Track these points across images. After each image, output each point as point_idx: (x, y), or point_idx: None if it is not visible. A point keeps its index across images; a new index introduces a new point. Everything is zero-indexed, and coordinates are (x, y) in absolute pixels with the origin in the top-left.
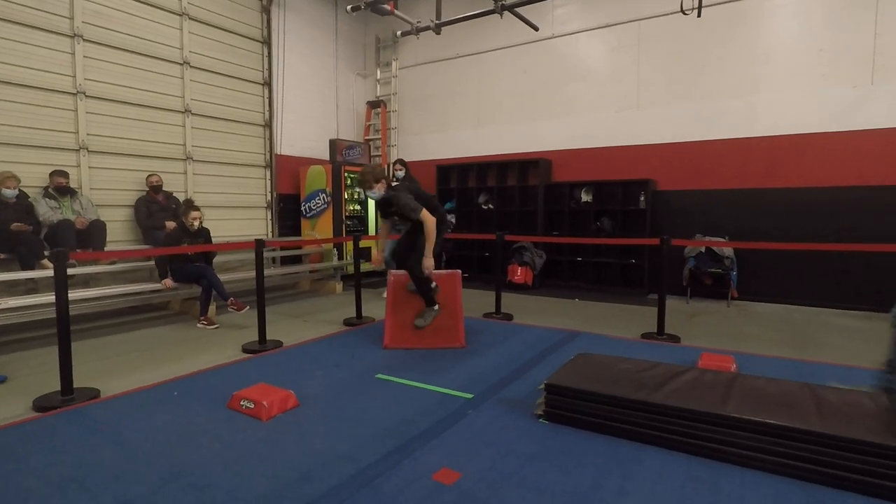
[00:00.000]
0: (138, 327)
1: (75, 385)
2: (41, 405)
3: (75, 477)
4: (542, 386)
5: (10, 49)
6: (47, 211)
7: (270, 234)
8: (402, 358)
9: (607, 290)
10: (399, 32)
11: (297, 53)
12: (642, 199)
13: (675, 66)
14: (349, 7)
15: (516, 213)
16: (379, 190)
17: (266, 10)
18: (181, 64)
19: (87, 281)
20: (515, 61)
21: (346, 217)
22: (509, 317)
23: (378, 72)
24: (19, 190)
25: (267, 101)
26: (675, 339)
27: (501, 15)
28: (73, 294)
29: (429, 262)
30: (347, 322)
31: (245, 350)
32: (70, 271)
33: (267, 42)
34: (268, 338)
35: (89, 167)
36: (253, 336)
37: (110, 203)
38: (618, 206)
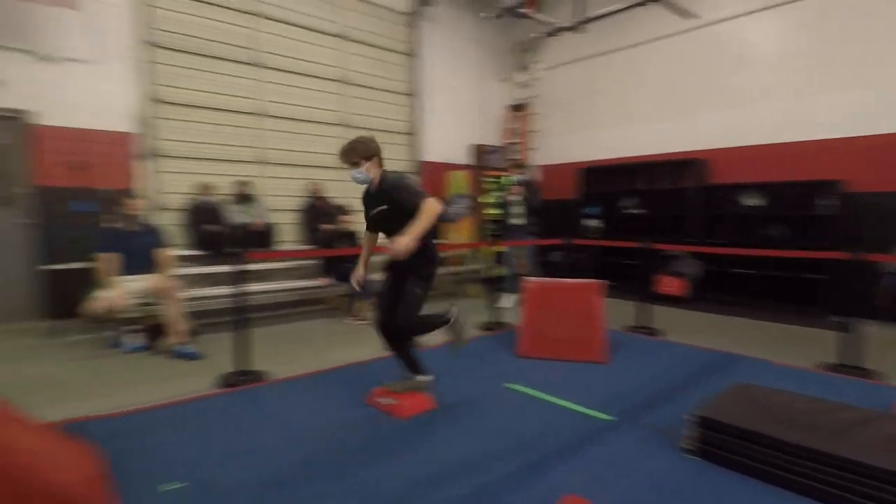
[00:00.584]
0: (300, 319)
1: (249, 368)
2: (222, 382)
3: (236, 450)
4: (693, 417)
5: (208, 79)
6: (235, 215)
7: None
8: (535, 368)
9: (776, 307)
10: (539, 34)
11: (440, 62)
12: (824, 202)
13: (869, 44)
14: (483, 14)
15: (667, 218)
16: (367, 171)
17: (411, 24)
18: (337, 81)
19: (263, 276)
20: (665, 54)
21: (487, 221)
22: (657, 332)
23: (519, 75)
24: (216, 197)
25: (411, 110)
26: (864, 373)
27: (645, 3)
28: (252, 287)
29: (405, 242)
30: (483, 326)
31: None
32: (248, 267)
33: (411, 54)
34: None
35: (267, 177)
36: None
37: (280, 208)
38: (792, 211)
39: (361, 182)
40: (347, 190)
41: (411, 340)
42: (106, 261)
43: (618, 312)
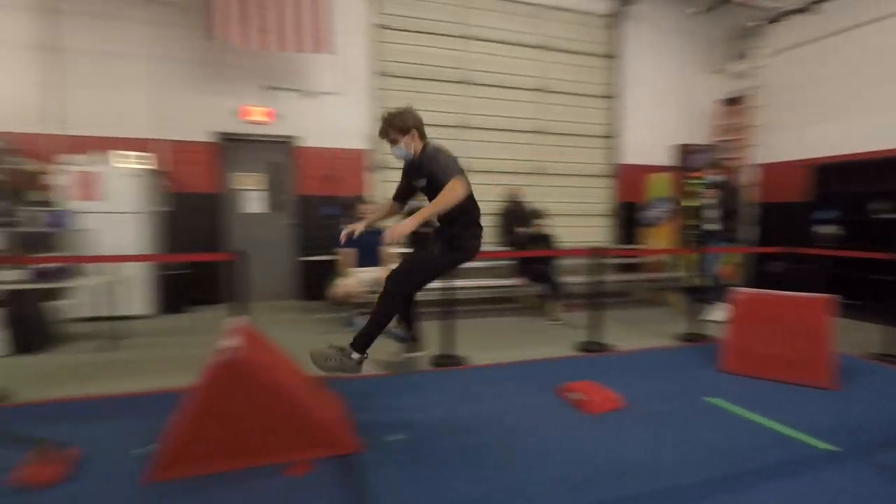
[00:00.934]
0: (496, 315)
1: (453, 353)
2: (433, 362)
3: (444, 416)
4: None
5: (424, 99)
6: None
7: (610, 242)
8: (740, 385)
9: None
10: (758, 21)
11: (642, 61)
12: None
13: None
14: (690, 10)
15: None
16: (405, 147)
17: (612, 26)
18: (535, 90)
19: (465, 273)
20: None
21: (690, 226)
22: None
23: (734, 66)
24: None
25: (610, 112)
26: None
27: None
28: (456, 282)
29: (402, 228)
30: (682, 337)
31: (577, 348)
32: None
33: (612, 55)
34: (601, 340)
35: (473, 183)
36: (586, 336)
37: (484, 212)
38: None
39: (403, 157)
40: (542, 194)
41: (391, 309)
42: (345, 255)
43: (857, 336)
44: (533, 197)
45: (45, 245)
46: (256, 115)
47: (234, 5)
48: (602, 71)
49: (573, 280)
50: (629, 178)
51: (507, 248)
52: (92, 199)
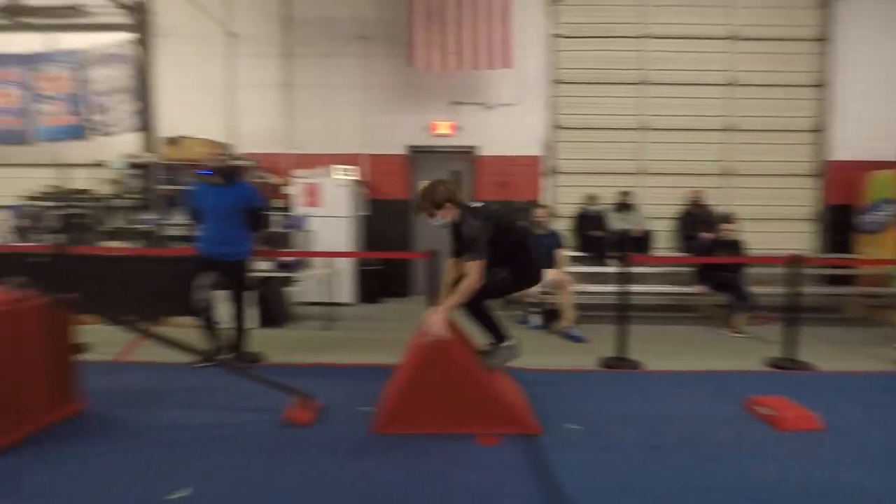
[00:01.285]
0: (670, 323)
1: (626, 356)
2: (604, 363)
3: (617, 413)
4: None
5: (598, 103)
6: (615, 222)
7: (814, 250)
8: None
9: None
10: None
11: (856, 44)
12: None
13: None
14: None
15: None
16: (444, 217)
17: (824, 5)
18: (724, 85)
19: (637, 278)
20: None
21: None
22: None
23: None
24: (599, 206)
25: (815, 103)
26: None
27: None
28: (630, 287)
29: (437, 318)
30: None
31: (768, 363)
32: (631, 269)
33: (823, 39)
34: (795, 358)
35: (647, 186)
36: (778, 352)
37: (658, 215)
38: None
39: (445, 226)
40: (730, 197)
41: (483, 308)
42: None
43: None
44: (718, 200)
45: (284, 243)
46: (442, 129)
47: (430, 35)
48: (806, 58)
49: (765, 291)
50: (841, 177)
51: (687, 254)
52: (314, 206)
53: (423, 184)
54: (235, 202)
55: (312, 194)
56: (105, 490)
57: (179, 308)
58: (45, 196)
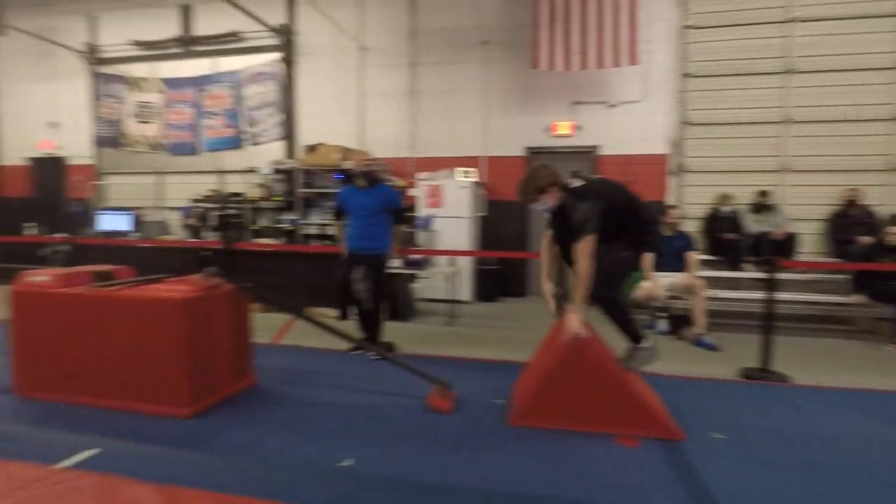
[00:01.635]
0: (818, 335)
1: (770, 367)
2: (744, 374)
3: (761, 427)
4: None
5: (733, 96)
6: (752, 223)
7: None
8: None
9: None
10: None
11: None
12: None
13: None
14: None
15: None
16: (547, 202)
17: None
18: (891, 69)
19: (780, 286)
20: None
21: None
22: None
23: None
24: (733, 207)
25: None
26: None
27: None
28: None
29: (575, 318)
30: None
31: None
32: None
33: None
34: None
35: (788, 185)
36: None
37: (803, 217)
38: None
39: (548, 210)
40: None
41: (618, 308)
42: (644, 259)
43: None
44: (880, 199)
45: (412, 242)
46: (562, 129)
47: (554, 35)
48: None
49: None
50: None
51: (842, 260)
52: (437, 207)
53: (526, 174)
54: (378, 203)
55: (435, 196)
56: (283, 452)
57: (325, 299)
58: (207, 199)
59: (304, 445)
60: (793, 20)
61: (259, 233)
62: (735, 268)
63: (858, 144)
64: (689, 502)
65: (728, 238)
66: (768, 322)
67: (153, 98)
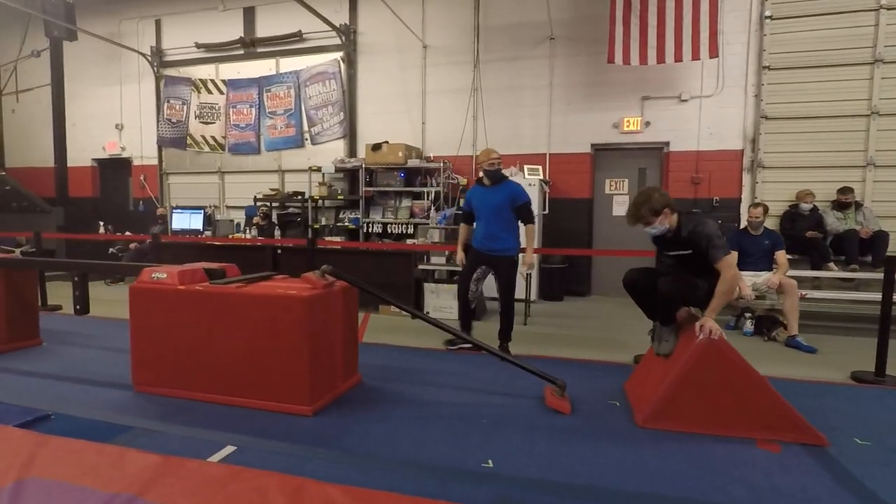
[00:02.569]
0: None
1: (887, 371)
2: (857, 377)
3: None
4: None
5: (813, 89)
6: (834, 221)
7: None
8: None
9: None
10: None
11: None
12: None
13: None
14: None
15: None
16: (661, 224)
17: None
18: None
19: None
20: None
21: None
22: None
23: None
24: (813, 204)
25: None
26: None
27: None
28: (859, 295)
29: (712, 324)
30: None
31: None
32: (851, 275)
33: None
34: None
35: (874, 181)
36: None
37: (889, 214)
38: None
39: (660, 234)
40: None
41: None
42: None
43: None
44: None
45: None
46: (631, 126)
47: (630, 29)
48: None
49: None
50: None
51: None
52: None
53: (638, 197)
54: (505, 200)
55: None
56: (420, 451)
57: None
58: (269, 198)
59: (439, 446)
60: (880, 8)
61: (319, 231)
62: (817, 267)
63: None
64: None
65: (810, 236)
66: (885, 324)
67: (216, 99)
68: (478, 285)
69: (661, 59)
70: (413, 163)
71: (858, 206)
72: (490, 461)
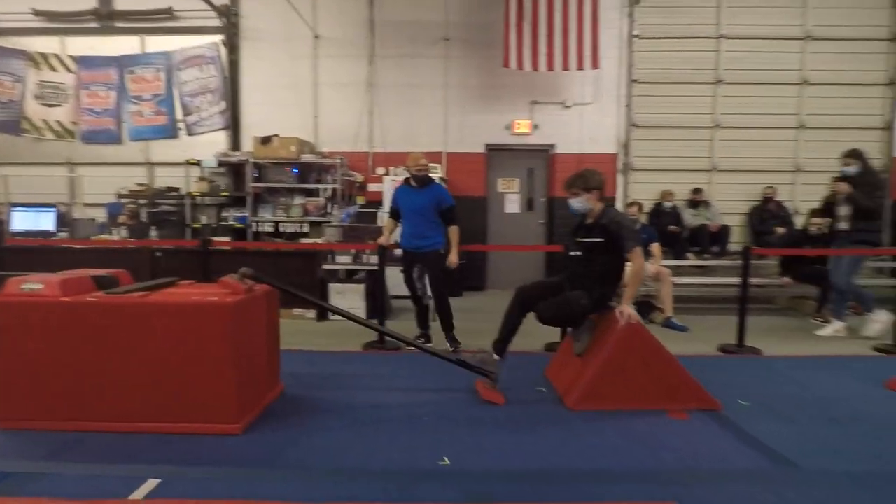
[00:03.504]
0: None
1: (746, 343)
2: (723, 349)
3: (762, 392)
4: None
5: (672, 103)
6: (689, 217)
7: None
8: None
9: None
10: None
11: None
12: None
13: None
14: None
15: None
16: (587, 202)
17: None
18: (798, 84)
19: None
20: None
21: None
22: None
23: None
24: (674, 203)
25: (890, 101)
26: None
27: None
28: (718, 279)
29: (629, 310)
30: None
31: (876, 349)
32: (706, 263)
33: (894, 40)
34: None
35: (717, 183)
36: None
37: (729, 211)
38: None
39: (580, 211)
40: (800, 194)
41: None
42: None
43: None
44: (789, 196)
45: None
46: (521, 128)
47: (524, 36)
48: (877, 57)
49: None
50: None
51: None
52: None
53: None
54: (430, 202)
55: None
56: (372, 458)
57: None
58: (136, 194)
59: (388, 450)
60: (720, 37)
61: (200, 231)
62: (678, 257)
63: (772, 148)
64: (759, 457)
65: (672, 230)
66: (743, 304)
67: (62, 78)
68: (422, 282)
69: (550, 66)
70: (307, 158)
71: (707, 204)
72: (446, 458)
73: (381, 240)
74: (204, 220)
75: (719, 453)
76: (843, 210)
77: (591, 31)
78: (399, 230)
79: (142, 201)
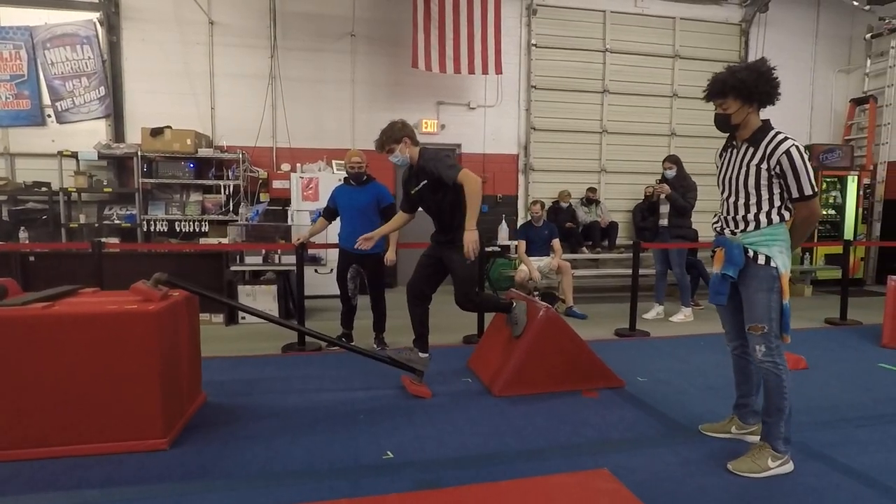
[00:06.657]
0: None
1: (637, 327)
2: (619, 333)
3: (657, 367)
4: None
5: (567, 108)
6: (583, 214)
7: None
8: None
9: None
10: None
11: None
12: None
13: None
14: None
15: None
16: (402, 153)
17: (745, 33)
18: (667, 96)
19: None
20: None
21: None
22: None
23: (868, 64)
24: (569, 202)
25: None
26: None
27: None
28: (609, 271)
29: (472, 236)
30: (829, 321)
31: None
32: (597, 256)
33: (744, 61)
34: None
35: (606, 183)
36: None
37: (616, 209)
38: None
39: (401, 164)
40: None
41: (482, 303)
42: (519, 245)
43: None
44: None
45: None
46: (429, 127)
47: (431, 38)
48: None
49: None
50: None
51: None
52: (313, 200)
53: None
54: (371, 200)
55: (311, 189)
56: (315, 460)
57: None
58: None
59: (330, 449)
60: (606, 51)
61: (77, 231)
62: (574, 251)
63: (649, 152)
64: (661, 424)
65: (568, 227)
66: (634, 292)
67: None
68: (355, 282)
69: (457, 69)
70: (204, 152)
71: (598, 202)
72: (390, 452)
73: (302, 237)
74: (83, 218)
75: (628, 424)
76: (663, 208)
77: (494, 38)
78: (338, 230)
79: (1, 197)
